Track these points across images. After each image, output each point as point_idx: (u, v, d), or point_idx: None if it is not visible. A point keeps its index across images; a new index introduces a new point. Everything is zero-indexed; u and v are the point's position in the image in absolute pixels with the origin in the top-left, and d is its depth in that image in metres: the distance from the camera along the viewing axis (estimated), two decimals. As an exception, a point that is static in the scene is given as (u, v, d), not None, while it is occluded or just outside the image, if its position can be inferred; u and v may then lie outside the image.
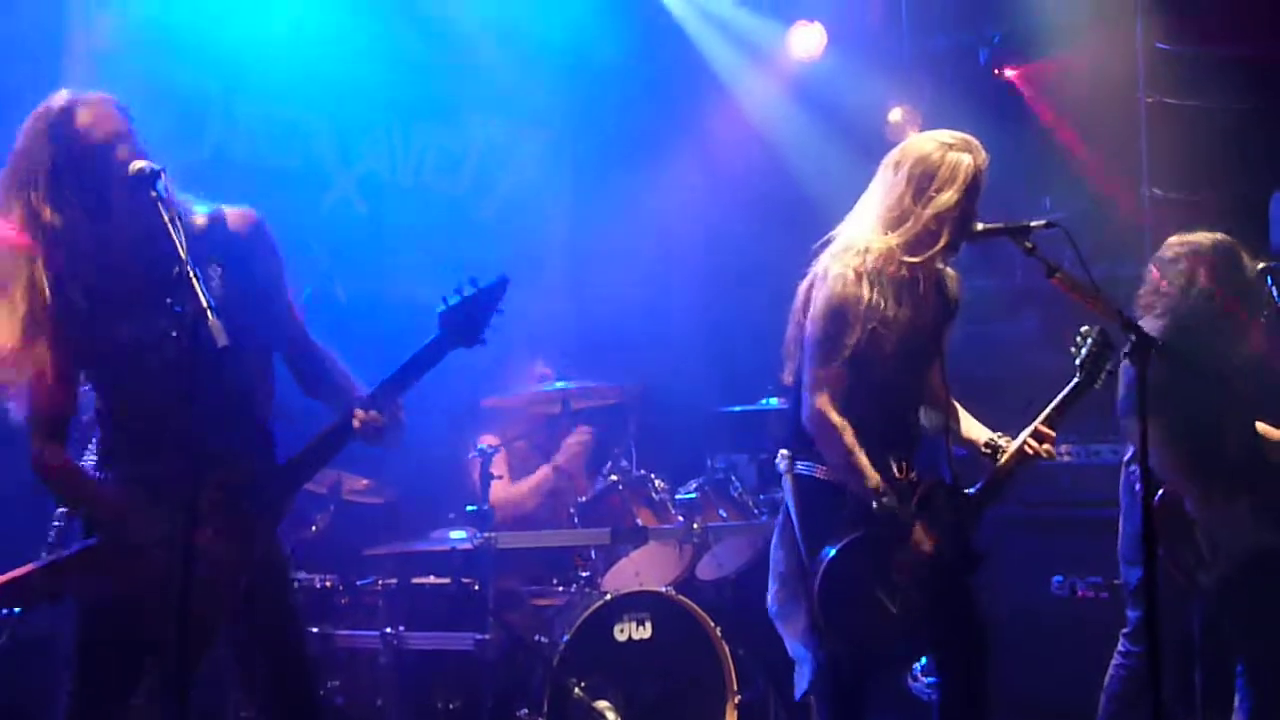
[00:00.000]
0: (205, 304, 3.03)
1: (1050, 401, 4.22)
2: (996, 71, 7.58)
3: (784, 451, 4.22)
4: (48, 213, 3.31)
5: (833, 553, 3.98)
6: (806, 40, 7.84)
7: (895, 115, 7.55)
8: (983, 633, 4.18)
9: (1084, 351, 4.18)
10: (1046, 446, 4.15)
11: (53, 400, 3.34)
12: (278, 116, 6.86)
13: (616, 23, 7.42)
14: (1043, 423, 4.17)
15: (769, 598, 4.26)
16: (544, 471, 6.15)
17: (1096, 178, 6.79)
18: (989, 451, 4.21)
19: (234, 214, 3.50)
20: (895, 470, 4.08)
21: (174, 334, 3.06)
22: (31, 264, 3.30)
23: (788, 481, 4.21)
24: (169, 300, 3.10)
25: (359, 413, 3.51)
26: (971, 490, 4.18)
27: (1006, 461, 4.15)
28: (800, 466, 4.14)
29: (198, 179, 3.51)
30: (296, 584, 5.30)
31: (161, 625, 3.21)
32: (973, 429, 4.32)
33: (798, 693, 4.17)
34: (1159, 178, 7.06)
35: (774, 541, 4.30)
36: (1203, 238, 5.29)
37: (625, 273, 7.22)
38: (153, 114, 3.44)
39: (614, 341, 6.81)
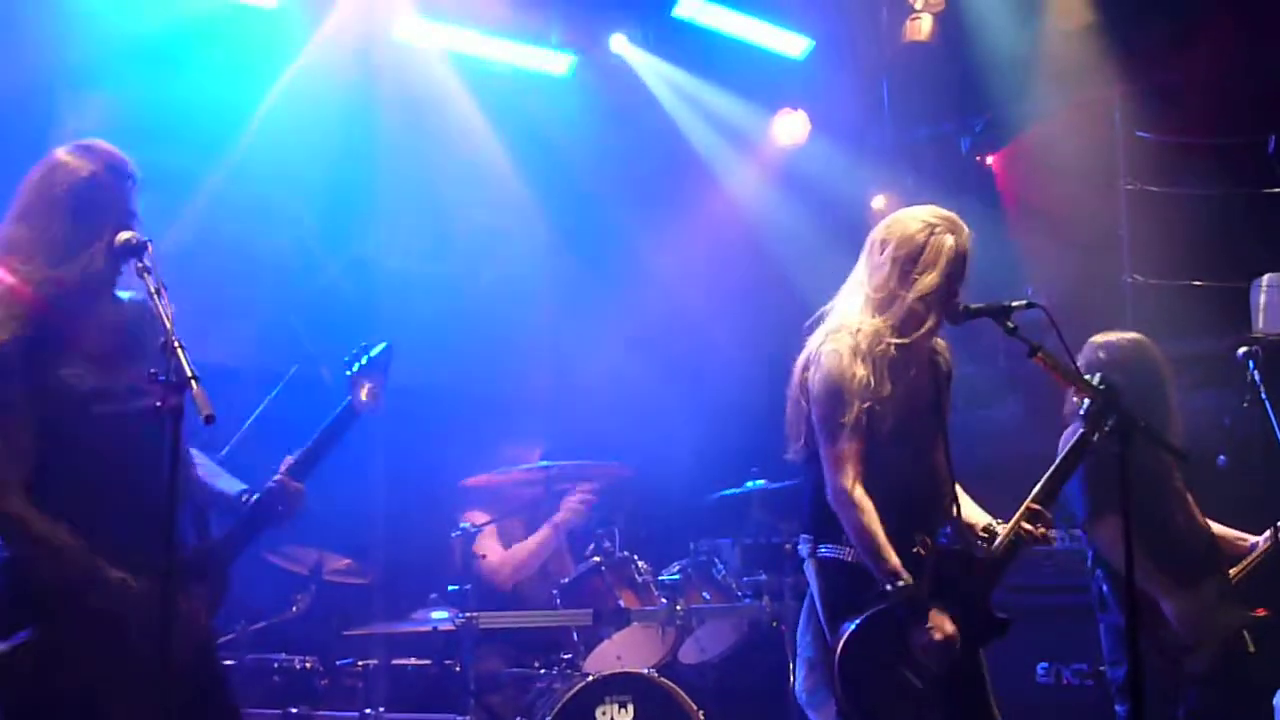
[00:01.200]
0: (191, 374, 3.05)
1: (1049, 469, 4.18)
2: (978, 159, 7.67)
3: (805, 535, 4.18)
4: (42, 266, 3.34)
5: (852, 627, 3.92)
6: (790, 128, 7.96)
7: (878, 203, 7.64)
8: (993, 712, 4.13)
9: (1084, 407, 4.09)
10: (1040, 529, 4.06)
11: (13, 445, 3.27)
12: (265, 199, 6.89)
13: (603, 107, 7.54)
14: (1036, 498, 4.10)
15: (797, 684, 4.22)
16: (545, 531, 6.08)
17: (1078, 264, 6.83)
18: (985, 537, 4.14)
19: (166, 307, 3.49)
20: (919, 549, 3.99)
21: (158, 404, 3.06)
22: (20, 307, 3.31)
23: (811, 566, 4.15)
24: (153, 370, 3.11)
25: (287, 483, 3.60)
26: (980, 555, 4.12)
27: (1001, 549, 4.07)
28: (824, 550, 4.08)
29: (186, 258, 3.53)
30: (276, 664, 5.30)
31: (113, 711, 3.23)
32: (971, 513, 4.27)
33: None
34: (1140, 264, 7.13)
35: (800, 627, 4.25)
36: (1121, 337, 5.35)
37: (609, 356, 7.27)
38: (141, 193, 3.47)
39: (597, 424, 6.81)
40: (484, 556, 5.75)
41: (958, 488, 4.32)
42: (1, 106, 5.23)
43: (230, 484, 3.67)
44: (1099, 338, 5.33)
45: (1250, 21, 6.83)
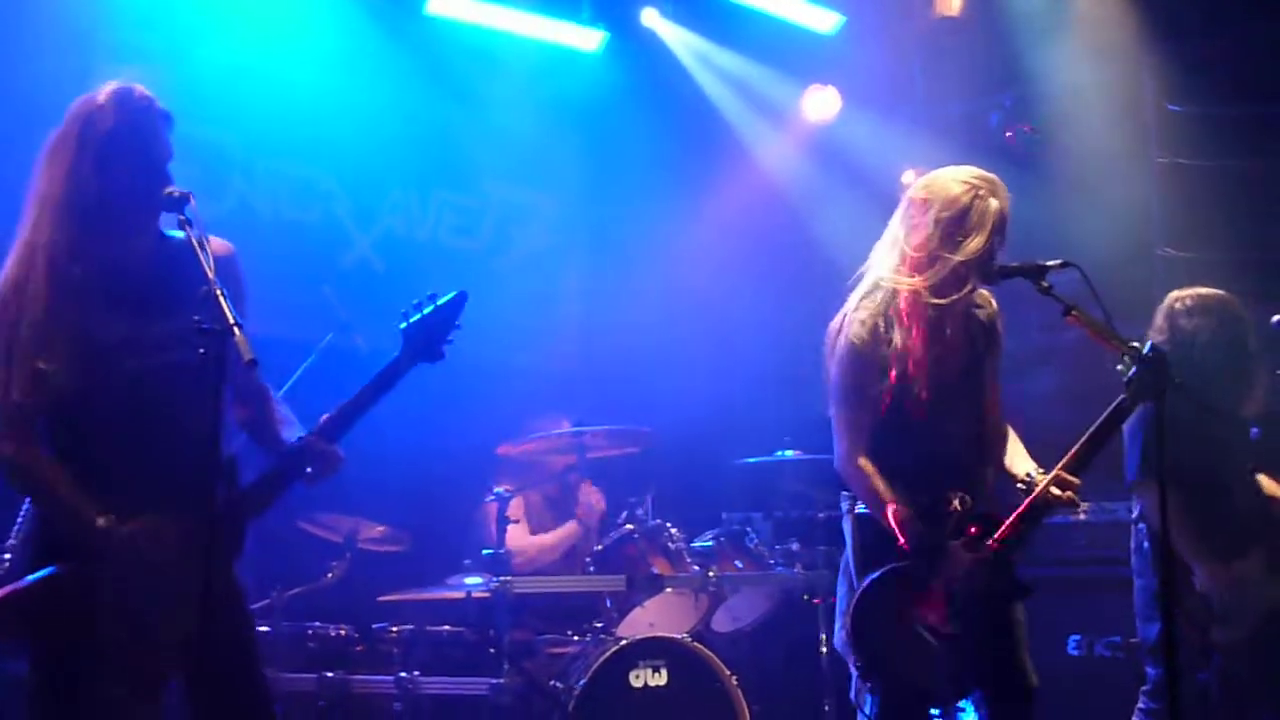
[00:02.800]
0: (233, 321, 3.06)
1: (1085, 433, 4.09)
2: (1008, 134, 7.63)
3: (845, 493, 4.21)
4: (68, 220, 3.31)
5: (871, 579, 3.95)
6: (821, 104, 7.94)
7: (908, 177, 7.61)
8: (1026, 683, 4.10)
9: (1130, 373, 3.96)
10: (1067, 494, 3.99)
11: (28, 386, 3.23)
12: (298, 174, 6.96)
13: (633, 82, 7.55)
14: (1067, 465, 4.01)
15: (837, 635, 4.23)
16: (571, 527, 6.16)
17: (1109, 237, 6.79)
18: (1023, 486, 4.08)
19: (215, 242, 3.41)
20: (952, 506, 3.98)
21: (200, 349, 3.07)
22: (51, 275, 3.27)
23: (848, 522, 4.19)
24: (196, 318, 3.12)
25: (315, 442, 3.48)
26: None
27: (1035, 498, 4.00)
28: (861, 507, 4.11)
29: (221, 230, 3.52)
30: (311, 631, 5.32)
31: (123, 657, 3.20)
32: (1017, 461, 4.23)
33: None
34: (1171, 237, 7.10)
35: (839, 583, 4.26)
36: (1208, 293, 5.31)
37: (640, 327, 7.29)
38: (176, 166, 3.45)
39: (628, 394, 6.84)
40: (516, 521, 5.78)
41: (1009, 431, 4.31)
42: (41, 86, 5.25)
43: (291, 432, 3.58)
44: (1177, 293, 5.28)
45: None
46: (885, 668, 3.96)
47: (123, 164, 3.35)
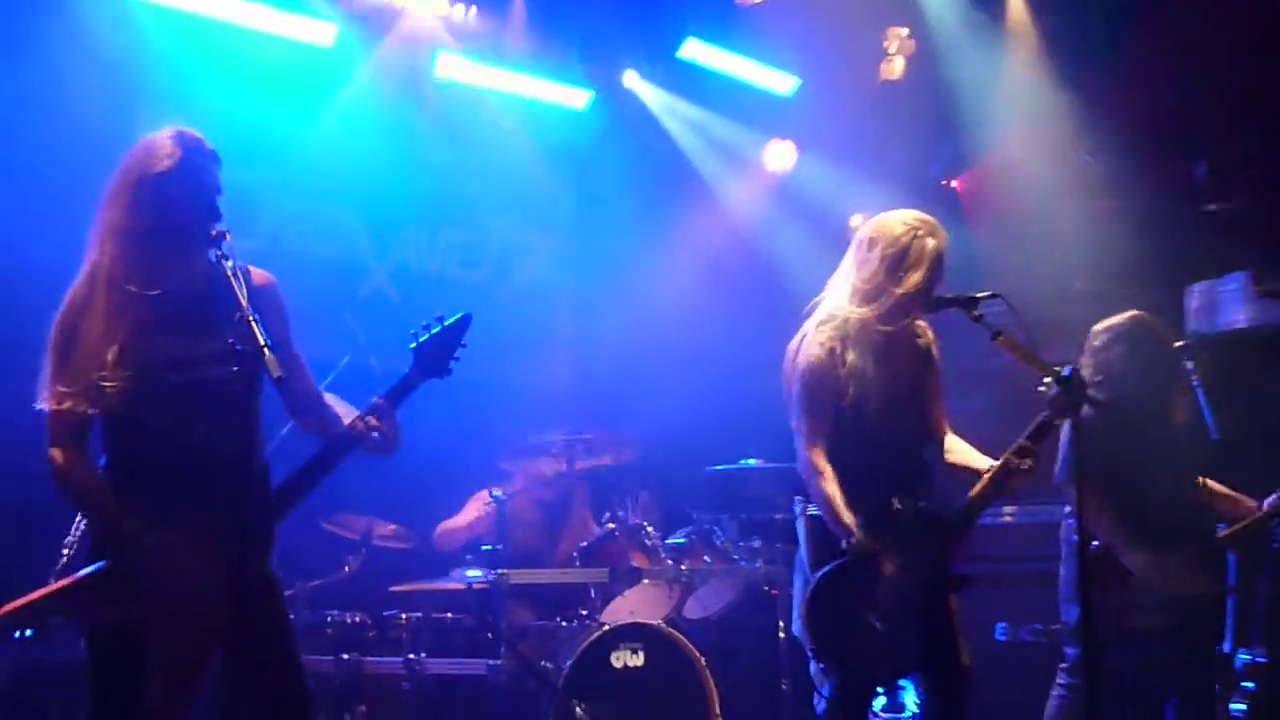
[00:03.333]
0: (263, 343, 3.06)
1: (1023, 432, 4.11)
2: (945, 182, 7.68)
3: (799, 498, 4.22)
4: (130, 247, 3.32)
5: (824, 572, 3.96)
6: (779, 156, 7.98)
7: (856, 220, 7.65)
8: (960, 666, 4.11)
9: (1051, 390, 4.03)
10: (1029, 461, 4.03)
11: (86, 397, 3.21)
12: (322, 214, 6.96)
13: (617, 135, 7.60)
14: (1020, 448, 4.05)
15: (794, 623, 4.23)
16: (475, 507, 6.08)
17: (1033, 273, 6.84)
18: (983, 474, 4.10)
19: (257, 273, 3.47)
20: (896, 506, 4.00)
21: (234, 367, 3.07)
22: (111, 293, 3.27)
23: (802, 523, 4.20)
24: (230, 340, 3.13)
25: (362, 420, 3.46)
26: (956, 510, 4.08)
27: (989, 479, 4.04)
28: (814, 509, 4.11)
29: (251, 262, 3.51)
30: (329, 619, 5.31)
31: (167, 642, 3.18)
32: (966, 457, 4.27)
33: (818, 710, 4.10)
34: (1087, 273, 7.14)
35: (794, 577, 4.29)
36: (1123, 322, 5.34)
37: (623, 349, 7.31)
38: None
39: (613, 410, 6.84)
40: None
41: (955, 440, 4.33)
42: (91, 130, 5.24)
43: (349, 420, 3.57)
44: (1099, 325, 5.32)
45: (1181, 64, 6.86)
46: (836, 653, 3.98)
47: (179, 199, 3.34)
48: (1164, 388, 5.09)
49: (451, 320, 3.59)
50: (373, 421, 3.47)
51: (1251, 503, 5.33)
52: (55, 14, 5.68)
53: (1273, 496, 5.30)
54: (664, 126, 7.69)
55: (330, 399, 3.69)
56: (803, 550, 4.21)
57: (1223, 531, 5.21)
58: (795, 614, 4.20)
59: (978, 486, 4.07)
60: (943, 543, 4.05)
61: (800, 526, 4.23)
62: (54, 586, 3.28)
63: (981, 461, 4.20)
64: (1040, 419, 4.10)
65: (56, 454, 3.24)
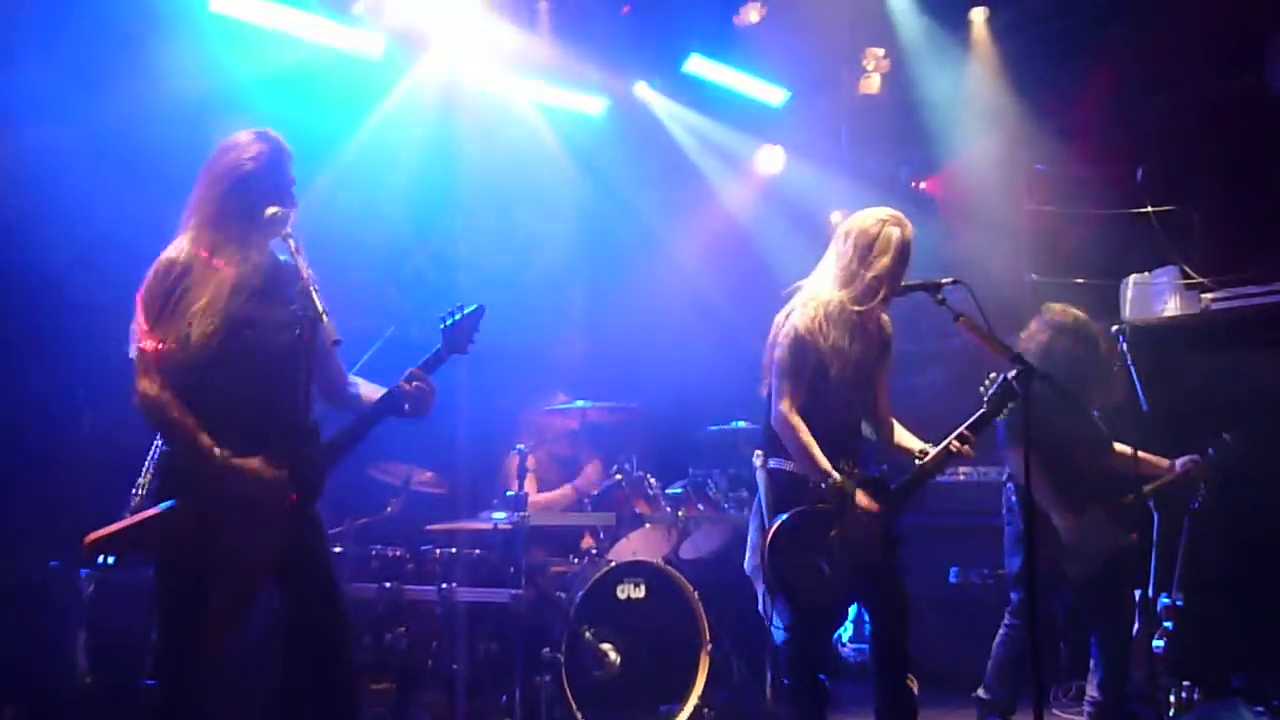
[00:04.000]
0: (321, 310, 3.09)
1: (962, 424, 4.14)
2: (914, 184, 7.66)
3: (758, 451, 4.22)
4: (219, 227, 3.38)
5: (782, 519, 3.97)
6: (770, 159, 7.95)
7: (836, 217, 7.63)
8: (904, 600, 4.14)
9: (990, 391, 4.10)
10: (967, 448, 4.07)
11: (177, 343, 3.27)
12: (370, 203, 6.92)
13: (628, 138, 7.56)
14: (961, 434, 4.09)
15: (746, 563, 4.24)
16: (568, 490, 6.13)
17: (990, 265, 6.82)
18: (920, 457, 4.13)
19: (306, 263, 3.47)
20: (844, 467, 4.03)
21: (297, 331, 3.10)
22: (205, 262, 3.34)
23: (762, 475, 4.19)
24: (293, 306, 3.15)
25: (406, 383, 3.56)
26: (894, 487, 4.11)
27: (932, 459, 4.07)
28: (773, 463, 4.14)
29: (308, 245, 3.53)
30: (373, 552, 5.32)
31: (224, 571, 3.24)
32: (906, 439, 4.29)
33: (777, 640, 4.13)
34: (1037, 266, 7.13)
35: (751, 522, 4.29)
36: (1059, 311, 5.35)
37: (629, 325, 7.28)
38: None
39: (620, 377, 6.83)
40: (532, 470, 5.79)
41: (895, 424, 4.35)
42: (164, 127, 5.24)
43: (372, 392, 3.70)
44: (1053, 308, 5.32)
45: (1122, 81, 6.84)
46: (788, 587, 3.99)
47: (265, 191, 3.44)
48: (1086, 376, 5.10)
49: (470, 309, 3.76)
50: (414, 384, 3.57)
51: (1167, 463, 5.36)
52: (133, 32, 5.66)
53: (1183, 459, 5.34)
54: (669, 131, 7.66)
55: (356, 379, 3.77)
56: (760, 498, 4.21)
57: (1145, 489, 5.28)
58: (749, 554, 4.22)
59: (921, 466, 4.09)
60: (888, 508, 4.06)
61: (761, 478, 4.21)
62: (130, 520, 3.32)
63: (915, 444, 4.22)
64: (977, 415, 4.12)
65: (150, 387, 3.27)
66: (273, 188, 3.43)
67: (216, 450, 3.25)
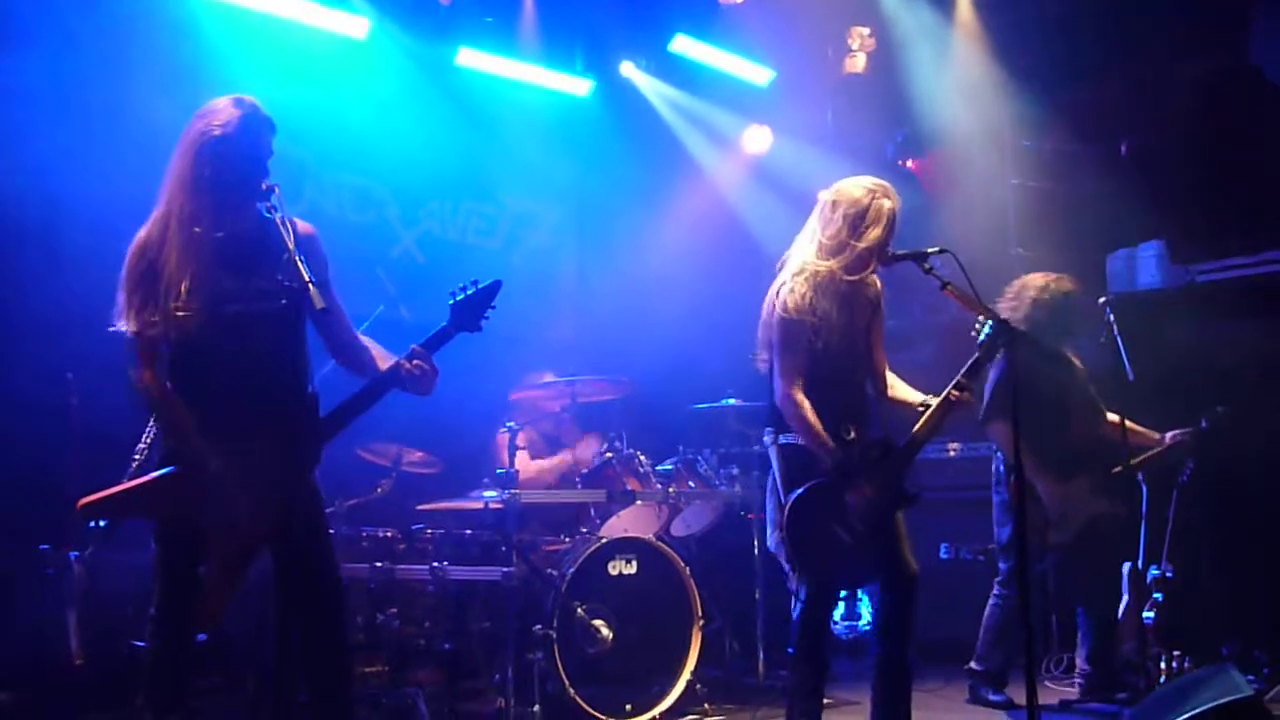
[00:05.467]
0: (308, 279, 3.05)
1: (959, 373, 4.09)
2: (900, 162, 7.65)
3: (769, 429, 4.19)
4: (196, 197, 3.33)
5: (798, 493, 3.95)
6: (757, 139, 7.93)
7: (824, 194, 7.60)
8: (909, 565, 4.11)
9: (983, 335, 4.04)
10: (966, 394, 4.03)
11: (163, 323, 3.25)
12: (359, 185, 6.91)
13: (615, 118, 7.52)
14: (957, 383, 4.05)
15: (769, 539, 4.20)
16: (564, 458, 6.11)
17: (977, 239, 6.81)
18: (922, 408, 4.10)
19: (302, 225, 3.48)
20: (848, 434, 4.03)
21: (283, 300, 3.06)
22: (182, 235, 3.29)
23: (773, 451, 4.14)
24: (279, 277, 3.11)
25: (406, 362, 3.47)
26: (902, 442, 4.08)
27: (934, 411, 4.04)
28: (784, 438, 4.09)
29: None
30: (364, 533, 5.27)
31: (221, 537, 3.22)
32: (907, 393, 4.26)
33: (795, 612, 4.09)
34: (1023, 240, 7.13)
35: (767, 500, 4.25)
36: (1038, 279, 5.35)
37: (619, 304, 7.27)
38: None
39: (609, 356, 6.81)
40: (523, 448, 5.77)
41: (893, 378, 4.32)
42: (152, 109, 5.20)
43: (387, 361, 3.59)
44: (1035, 277, 5.32)
45: (1107, 58, 6.83)
46: (810, 562, 3.98)
47: (239, 156, 3.36)
48: (1070, 342, 5.11)
49: (485, 284, 3.63)
50: (415, 364, 3.49)
51: (1157, 435, 5.37)
52: (123, 13, 5.61)
53: (1174, 432, 5.35)
54: (656, 111, 7.63)
55: (367, 341, 3.68)
56: (775, 475, 4.18)
57: (1134, 461, 5.29)
58: (770, 531, 4.18)
59: (924, 419, 4.06)
60: (894, 467, 4.05)
61: (773, 454, 4.18)
62: (127, 484, 3.33)
63: (915, 396, 4.20)
64: (972, 360, 4.08)
65: (143, 374, 3.25)
66: (247, 155, 3.36)
67: (199, 444, 3.24)
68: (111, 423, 4.45)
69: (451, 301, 3.59)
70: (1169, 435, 5.35)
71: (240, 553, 3.24)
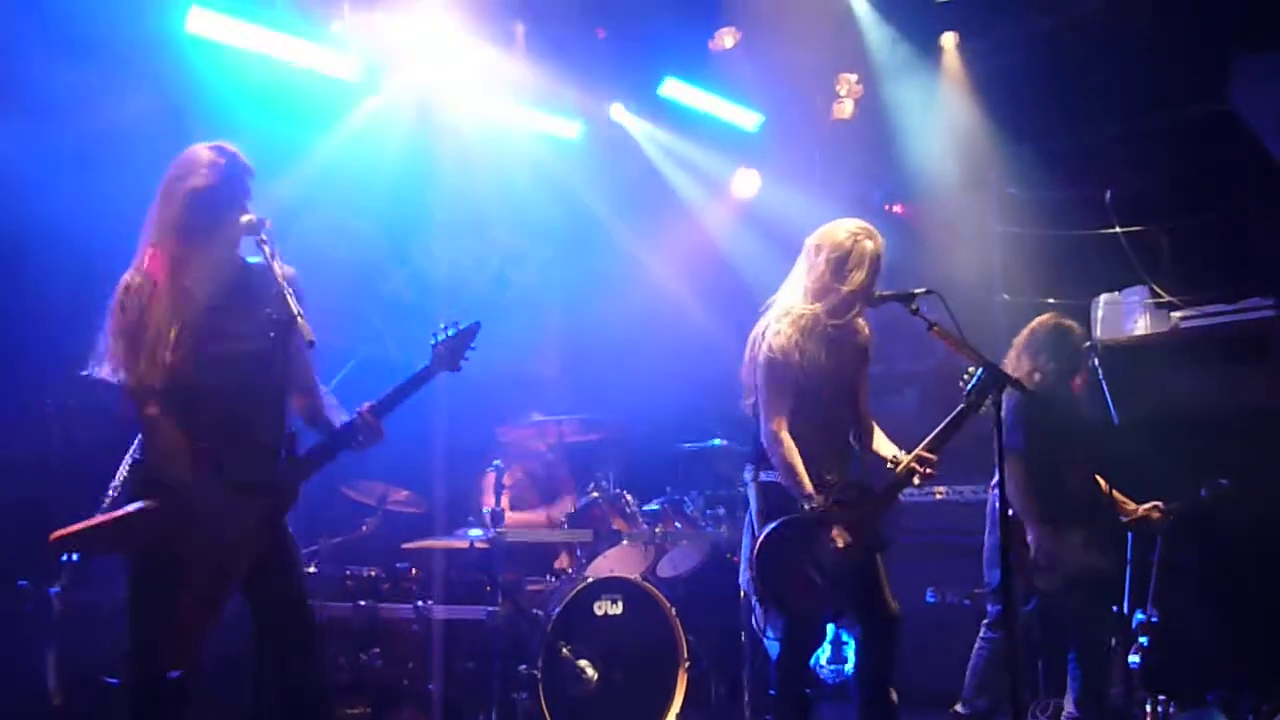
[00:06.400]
0: (296, 311, 3.05)
1: (937, 427, 4.13)
2: (886, 208, 7.70)
3: (750, 465, 4.20)
4: (180, 244, 3.34)
5: (771, 528, 3.95)
6: (746, 183, 7.97)
7: (811, 239, 7.63)
8: (893, 611, 4.12)
9: (971, 384, 4.04)
10: (926, 470, 4.05)
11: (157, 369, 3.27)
12: (348, 224, 6.89)
13: (605, 160, 7.53)
14: (925, 448, 4.08)
15: (741, 578, 4.20)
16: (541, 516, 6.09)
17: (962, 285, 6.84)
18: (892, 464, 4.13)
19: (285, 268, 3.44)
20: (828, 478, 4.04)
21: (271, 333, 3.06)
22: (169, 282, 3.30)
23: (753, 488, 4.18)
24: (268, 310, 3.11)
25: (366, 417, 3.48)
26: (880, 487, 4.11)
27: (901, 470, 4.07)
28: (764, 476, 4.13)
29: (288, 261, 3.48)
30: (348, 572, 5.24)
31: (195, 571, 3.19)
32: (883, 446, 4.27)
33: (771, 653, 4.10)
34: (1008, 287, 7.16)
35: (744, 538, 4.25)
36: (1044, 323, 5.37)
37: (607, 344, 7.25)
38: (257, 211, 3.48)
39: (597, 396, 6.80)
40: (509, 486, 5.75)
41: (875, 427, 4.33)
42: (142, 143, 5.20)
43: (339, 416, 3.61)
44: (1035, 325, 5.35)
45: (1089, 107, 6.90)
46: (780, 596, 3.97)
47: (219, 203, 3.39)
48: (1078, 385, 5.12)
49: (465, 325, 3.71)
50: (364, 421, 3.50)
51: (1133, 506, 5.40)
52: (121, 52, 5.63)
53: (1148, 505, 5.37)
54: (645, 154, 7.66)
55: (328, 394, 3.70)
56: (752, 511, 4.19)
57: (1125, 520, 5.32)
58: (743, 567, 4.17)
59: (887, 485, 4.09)
60: (871, 511, 4.05)
61: (750, 491, 4.22)
62: (100, 518, 3.29)
63: (888, 451, 4.21)
64: (957, 411, 4.09)
65: (152, 410, 3.25)
66: (228, 202, 3.40)
67: (194, 478, 3.25)
68: (93, 453, 4.40)
69: (433, 342, 3.66)
70: (1143, 508, 5.38)
71: (217, 587, 3.21)
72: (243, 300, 3.41)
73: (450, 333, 3.68)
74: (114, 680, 3.25)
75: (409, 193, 6.89)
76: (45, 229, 5.21)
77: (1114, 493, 5.21)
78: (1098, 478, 5.24)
